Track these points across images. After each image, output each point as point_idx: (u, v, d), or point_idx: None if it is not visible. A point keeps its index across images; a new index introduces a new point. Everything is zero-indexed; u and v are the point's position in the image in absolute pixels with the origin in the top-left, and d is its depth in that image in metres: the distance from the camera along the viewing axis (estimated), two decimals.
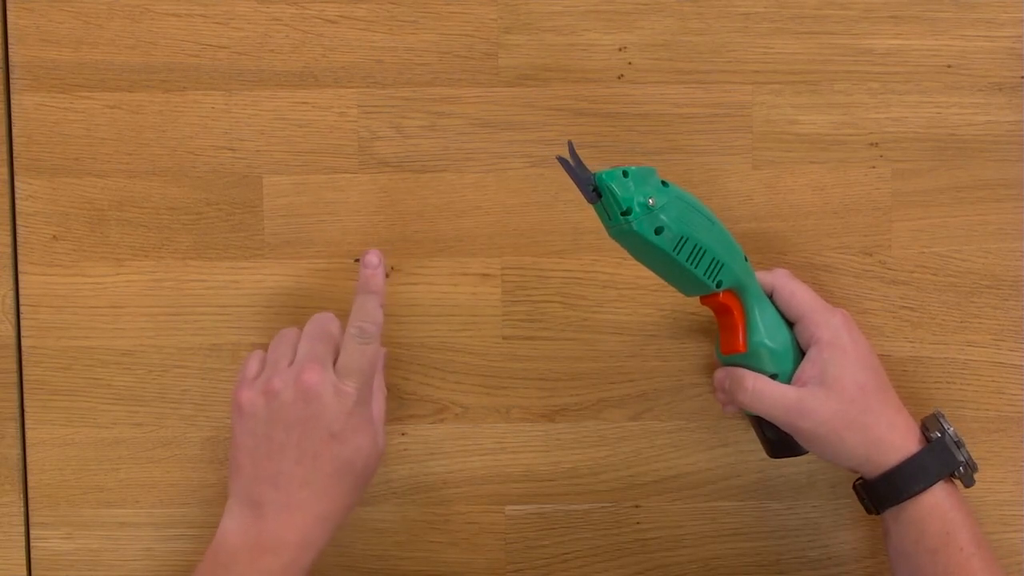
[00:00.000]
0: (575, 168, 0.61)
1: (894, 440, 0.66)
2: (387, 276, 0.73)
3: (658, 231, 0.61)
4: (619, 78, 0.73)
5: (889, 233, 0.73)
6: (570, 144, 0.61)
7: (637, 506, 0.75)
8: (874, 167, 0.73)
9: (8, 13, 0.72)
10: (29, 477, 0.74)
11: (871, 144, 0.73)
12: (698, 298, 0.67)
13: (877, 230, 0.73)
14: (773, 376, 0.67)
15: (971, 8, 0.72)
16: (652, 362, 0.74)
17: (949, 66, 0.73)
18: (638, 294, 0.73)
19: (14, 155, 0.73)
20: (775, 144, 0.73)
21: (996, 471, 0.74)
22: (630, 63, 0.73)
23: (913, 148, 0.73)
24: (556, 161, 0.61)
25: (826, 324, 0.66)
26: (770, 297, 0.68)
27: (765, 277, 0.68)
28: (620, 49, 0.73)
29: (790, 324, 0.68)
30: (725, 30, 0.72)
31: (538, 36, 0.72)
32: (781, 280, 0.68)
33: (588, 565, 0.75)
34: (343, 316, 0.70)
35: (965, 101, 0.73)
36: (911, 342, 0.74)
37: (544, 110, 0.73)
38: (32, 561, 0.74)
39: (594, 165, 0.72)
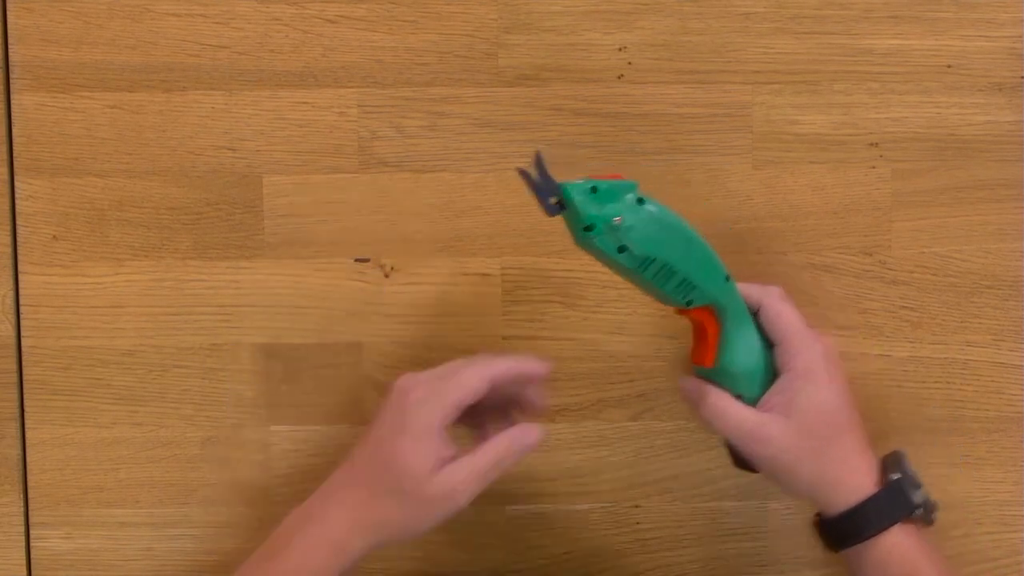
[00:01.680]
0: (537, 180, 0.60)
1: (850, 481, 0.64)
2: (387, 276, 0.73)
3: (621, 249, 0.61)
4: (619, 78, 0.73)
5: (889, 233, 0.73)
6: (538, 155, 0.60)
7: (637, 506, 0.75)
8: (874, 167, 0.73)
9: (8, 13, 0.72)
10: (29, 477, 0.74)
11: (871, 144, 0.73)
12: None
13: (877, 230, 0.73)
14: (738, 396, 0.65)
15: (971, 8, 0.72)
16: (652, 362, 0.74)
17: (949, 66, 0.73)
18: (638, 294, 0.73)
19: (14, 155, 0.73)
20: (775, 144, 0.73)
21: (996, 471, 0.74)
22: (630, 63, 0.73)
23: (913, 148, 0.73)
24: (547, 167, 0.60)
25: (804, 353, 0.65)
26: (757, 312, 0.66)
27: (755, 292, 0.66)
28: (620, 49, 0.73)
29: (771, 345, 0.66)
30: (725, 30, 0.72)
31: (538, 36, 0.72)
32: (770, 299, 0.66)
33: (588, 565, 0.75)
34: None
35: (965, 101, 0.73)
36: (911, 342, 0.74)
37: (544, 110, 0.73)
38: (32, 561, 0.74)
39: (595, 165, 0.72)
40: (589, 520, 0.75)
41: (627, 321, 0.74)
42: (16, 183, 0.73)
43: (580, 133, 0.73)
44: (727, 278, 0.64)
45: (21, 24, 0.72)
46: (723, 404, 0.65)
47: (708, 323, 0.65)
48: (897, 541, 0.64)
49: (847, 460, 0.65)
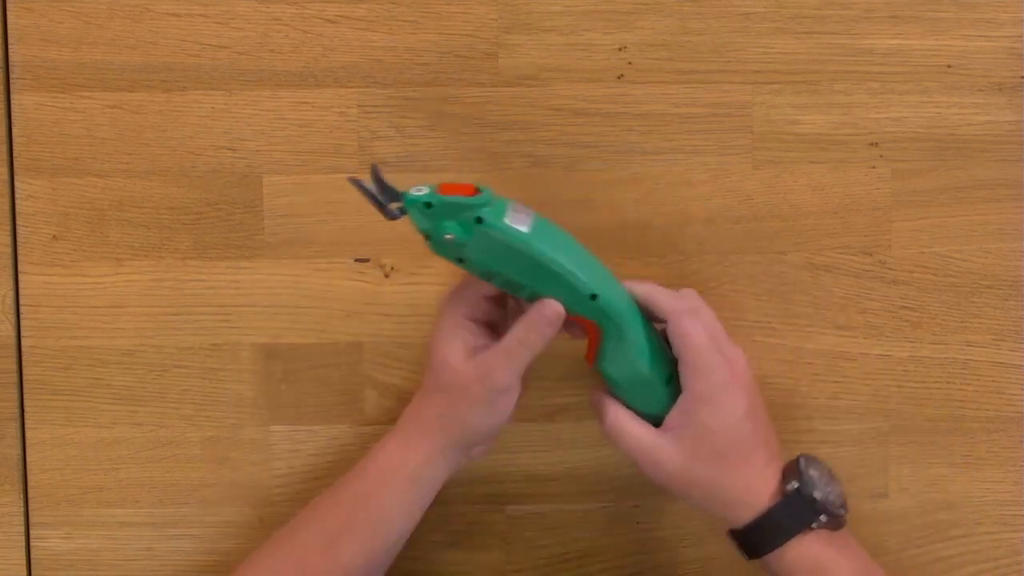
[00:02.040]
0: (372, 191, 0.63)
1: (748, 499, 0.64)
2: (387, 276, 0.73)
3: (460, 260, 0.63)
4: (619, 78, 0.73)
5: (889, 233, 0.73)
6: (374, 167, 0.63)
7: (637, 506, 0.75)
8: (874, 167, 0.73)
9: (8, 13, 0.72)
10: (29, 477, 0.74)
11: (871, 144, 0.73)
12: None
13: (877, 230, 0.73)
14: (634, 408, 0.65)
15: (971, 8, 0.72)
16: None
17: (949, 66, 0.73)
18: None
19: (14, 155, 0.73)
20: (775, 144, 0.73)
21: (996, 471, 0.74)
22: (630, 63, 0.73)
23: (913, 148, 0.73)
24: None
25: (706, 375, 0.63)
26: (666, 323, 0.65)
27: (665, 303, 0.65)
28: (620, 49, 0.73)
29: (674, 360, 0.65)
30: (725, 30, 0.72)
31: (538, 36, 0.72)
32: (674, 317, 0.64)
33: (588, 565, 0.75)
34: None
35: (965, 101, 0.73)
36: (911, 342, 0.74)
37: (544, 110, 0.73)
38: (32, 561, 0.74)
39: (593, 165, 0.72)
40: (589, 520, 0.75)
41: None
42: (16, 183, 0.73)
43: (580, 133, 0.73)
44: (592, 296, 0.63)
45: (21, 24, 0.72)
46: (621, 424, 0.65)
47: (588, 328, 0.65)
48: (803, 549, 0.63)
49: (745, 480, 0.64)
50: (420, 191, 0.62)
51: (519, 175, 0.73)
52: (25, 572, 0.74)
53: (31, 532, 0.74)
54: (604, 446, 0.74)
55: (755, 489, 0.64)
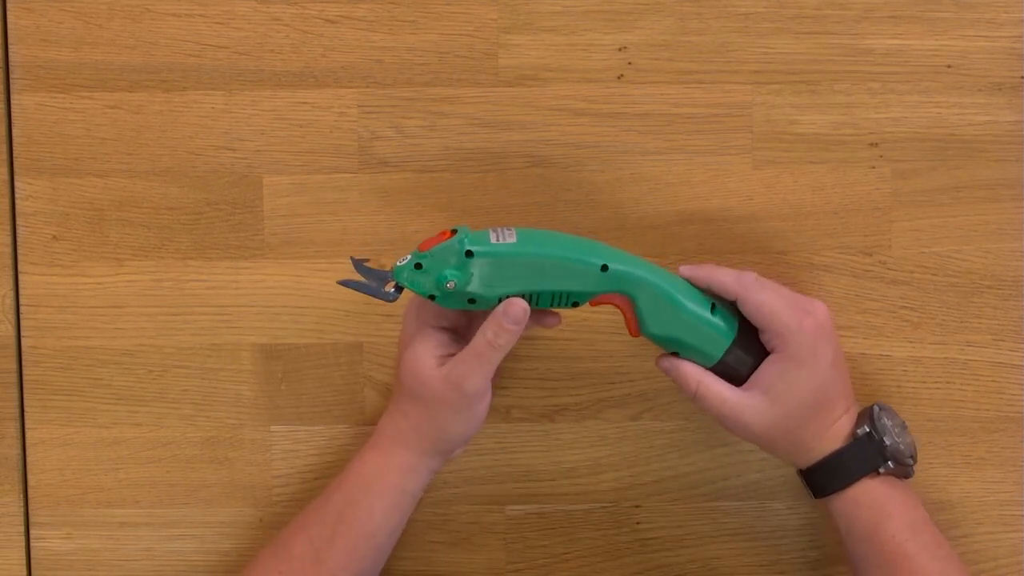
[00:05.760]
0: (365, 283, 0.65)
1: (822, 443, 0.67)
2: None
3: (472, 300, 0.63)
4: (619, 78, 0.73)
5: (889, 233, 0.73)
6: (353, 260, 0.65)
7: (637, 506, 0.75)
8: (874, 167, 0.73)
9: (8, 13, 0.72)
10: (29, 477, 0.74)
11: (871, 144, 0.73)
12: None
13: (877, 230, 0.73)
14: (697, 360, 0.66)
15: (971, 8, 0.72)
16: (652, 362, 0.73)
17: (949, 66, 0.73)
18: None
19: (14, 155, 0.73)
20: (775, 144, 0.73)
21: (996, 471, 0.74)
22: (630, 63, 0.73)
23: (913, 148, 0.73)
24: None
25: (791, 337, 0.65)
26: (734, 302, 0.66)
27: (730, 283, 0.66)
28: (620, 49, 0.73)
29: (724, 305, 0.67)
30: (725, 30, 0.72)
31: (538, 36, 0.72)
32: (746, 293, 0.65)
33: (588, 565, 0.75)
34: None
35: (965, 101, 0.73)
36: (911, 342, 0.74)
37: (544, 110, 0.73)
38: (32, 561, 0.74)
39: (593, 165, 0.73)
40: (589, 520, 0.75)
41: None
42: (16, 183, 0.73)
43: (580, 133, 0.73)
44: (603, 268, 0.64)
45: (21, 24, 0.72)
46: (704, 390, 0.66)
47: (613, 303, 0.66)
48: (863, 492, 0.66)
49: (824, 425, 0.67)
50: (404, 260, 0.64)
51: (519, 175, 0.73)
52: (25, 572, 0.74)
53: (31, 532, 0.74)
54: (604, 446, 0.74)
55: (831, 433, 0.66)
